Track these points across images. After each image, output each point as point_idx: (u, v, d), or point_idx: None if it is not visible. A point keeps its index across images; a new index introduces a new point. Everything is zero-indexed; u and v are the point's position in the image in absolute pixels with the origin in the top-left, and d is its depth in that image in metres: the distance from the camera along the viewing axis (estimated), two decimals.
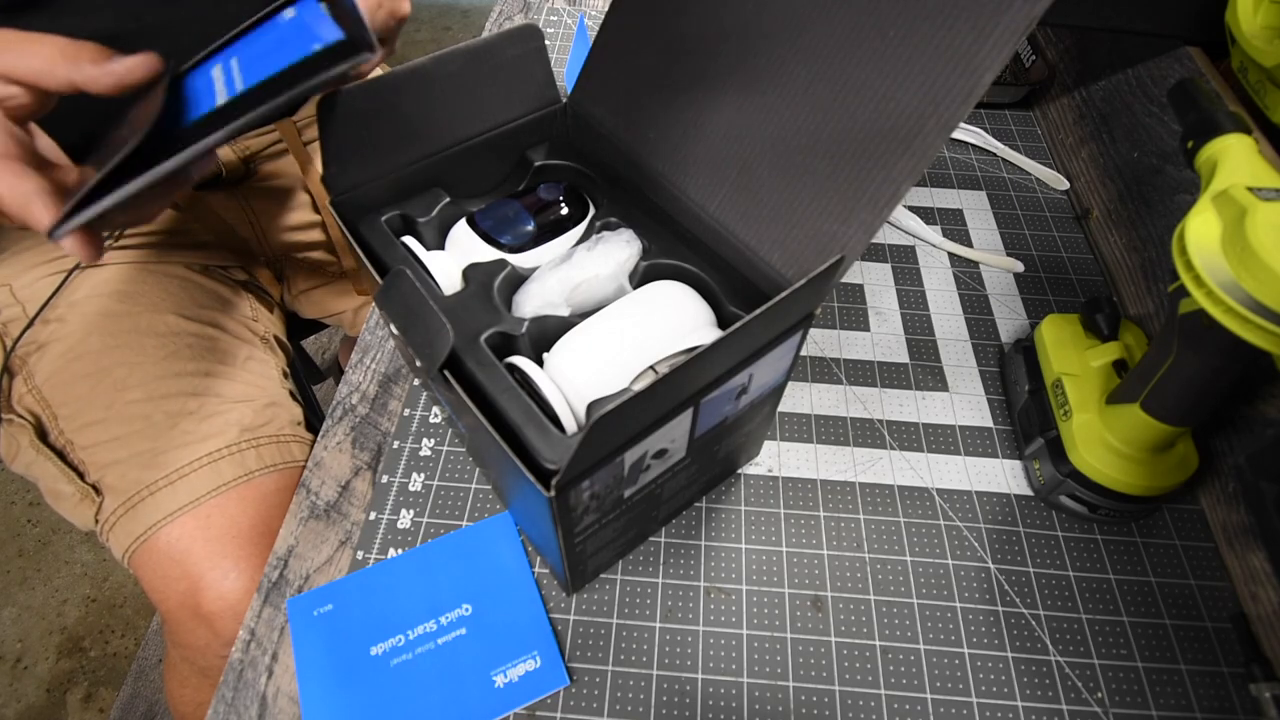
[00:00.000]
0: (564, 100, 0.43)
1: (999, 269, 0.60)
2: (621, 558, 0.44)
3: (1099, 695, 0.40)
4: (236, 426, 0.55)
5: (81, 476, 0.54)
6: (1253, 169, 0.35)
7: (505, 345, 0.35)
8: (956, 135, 0.71)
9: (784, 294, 0.28)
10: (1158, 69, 0.58)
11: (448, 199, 0.41)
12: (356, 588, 0.42)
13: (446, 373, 0.31)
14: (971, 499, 0.47)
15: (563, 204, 0.41)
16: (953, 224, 0.64)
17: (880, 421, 0.51)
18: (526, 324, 0.35)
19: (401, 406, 0.51)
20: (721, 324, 0.36)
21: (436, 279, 0.38)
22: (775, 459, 0.49)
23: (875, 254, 0.62)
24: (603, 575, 0.43)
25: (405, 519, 0.46)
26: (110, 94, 0.30)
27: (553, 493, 0.28)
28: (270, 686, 0.40)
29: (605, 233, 0.39)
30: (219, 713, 0.39)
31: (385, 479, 0.47)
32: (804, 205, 0.32)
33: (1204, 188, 0.36)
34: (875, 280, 0.60)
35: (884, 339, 0.56)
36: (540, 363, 0.35)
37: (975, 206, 0.66)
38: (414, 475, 0.48)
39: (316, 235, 0.72)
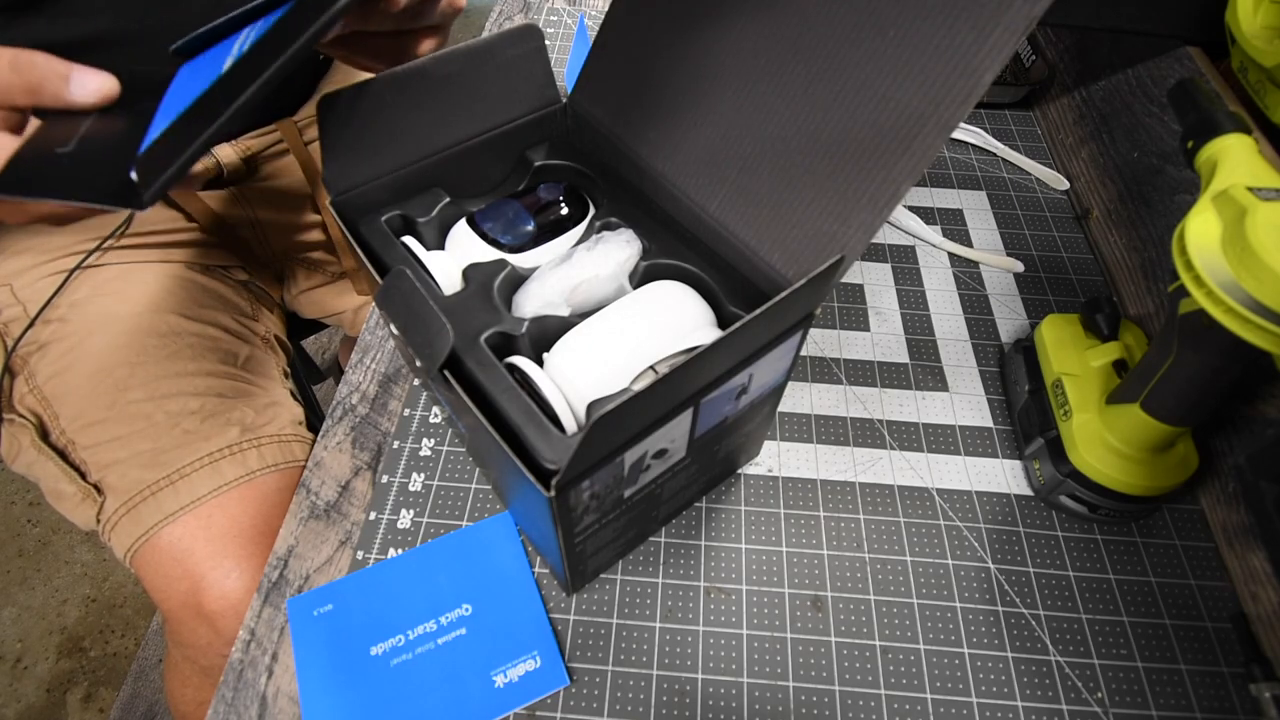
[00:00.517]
0: (564, 100, 0.43)
1: (999, 269, 0.60)
2: (621, 558, 0.44)
3: (1099, 695, 0.40)
4: (238, 426, 0.56)
5: (83, 476, 0.54)
6: (1253, 169, 0.35)
7: (505, 345, 0.35)
8: (956, 135, 0.71)
9: (784, 294, 0.28)
10: (1158, 69, 0.58)
11: (448, 199, 0.41)
12: (356, 588, 0.42)
13: (446, 373, 0.31)
14: (971, 499, 0.47)
15: (563, 204, 0.41)
16: (953, 224, 0.64)
17: (880, 421, 0.51)
18: (526, 324, 0.35)
19: (401, 406, 0.51)
20: (721, 324, 0.36)
21: (436, 279, 0.38)
22: (775, 459, 0.49)
23: (875, 254, 0.62)
24: (603, 575, 0.43)
25: (405, 519, 0.46)
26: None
27: (553, 493, 0.28)
28: (270, 686, 0.40)
29: (605, 233, 0.39)
30: (219, 713, 0.39)
31: (385, 479, 0.47)
32: (804, 205, 0.32)
33: (1204, 188, 0.36)
34: (875, 280, 0.60)
35: (884, 339, 0.56)
36: (540, 363, 0.35)
37: (975, 206, 0.66)
38: (414, 475, 0.48)
39: (316, 235, 0.72)
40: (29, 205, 0.33)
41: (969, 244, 0.62)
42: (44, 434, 0.55)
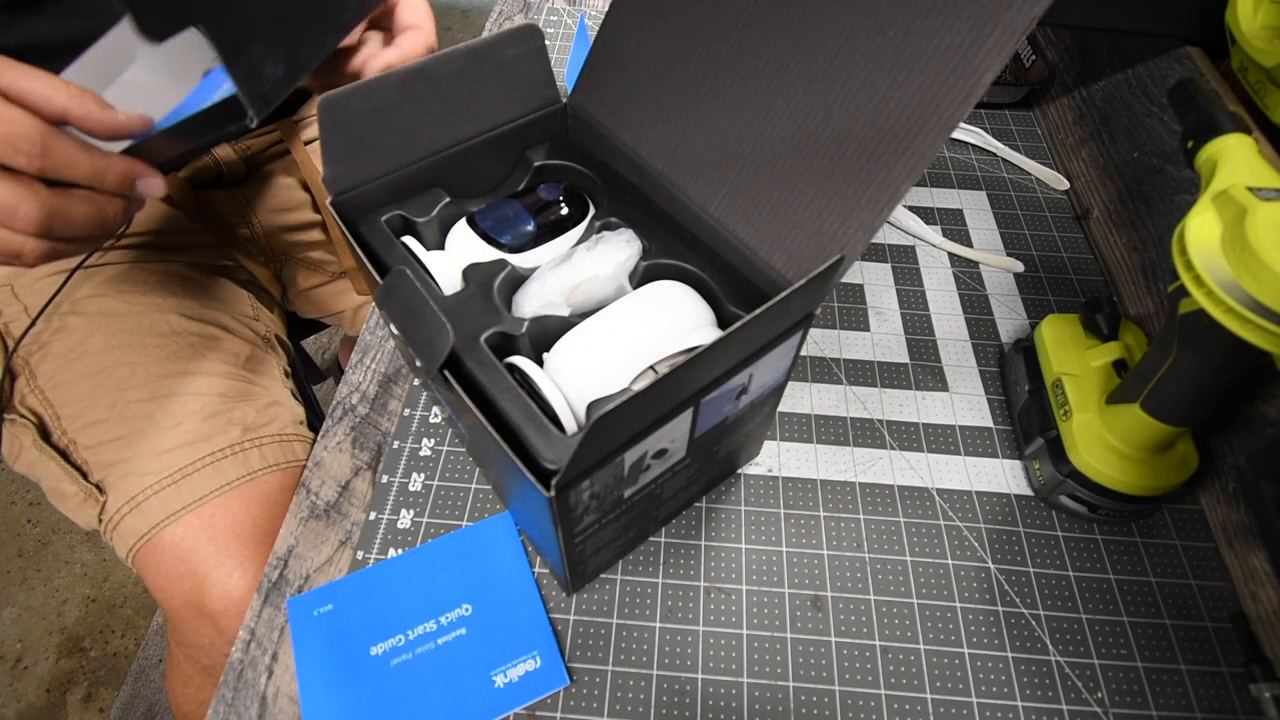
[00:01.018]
0: (564, 100, 0.43)
1: (999, 269, 0.60)
2: (621, 558, 0.44)
3: (1099, 695, 0.40)
4: (239, 426, 0.56)
5: (85, 476, 0.54)
6: (1253, 169, 0.35)
7: (505, 345, 0.35)
8: (956, 135, 0.71)
9: (784, 294, 0.28)
10: (1158, 69, 0.58)
11: (448, 199, 0.41)
12: (356, 588, 0.43)
13: (446, 373, 0.31)
14: (971, 499, 0.47)
15: (563, 204, 0.41)
16: (953, 224, 0.64)
17: (880, 421, 0.51)
18: (526, 324, 0.35)
19: (401, 406, 0.51)
20: (721, 324, 0.36)
21: (436, 279, 0.38)
22: (775, 459, 0.49)
23: (875, 254, 0.62)
24: (603, 575, 0.43)
25: (405, 519, 0.46)
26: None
27: (553, 493, 0.28)
28: (270, 686, 0.40)
29: (605, 233, 0.39)
30: (219, 713, 0.39)
31: (385, 479, 0.47)
32: (804, 205, 0.32)
33: (1204, 188, 0.36)
34: (875, 280, 0.60)
35: (884, 339, 0.56)
36: (540, 363, 0.35)
37: (975, 206, 0.66)
38: (414, 475, 0.48)
39: (316, 235, 0.72)
40: None
41: (969, 244, 0.62)
42: (45, 434, 0.55)
